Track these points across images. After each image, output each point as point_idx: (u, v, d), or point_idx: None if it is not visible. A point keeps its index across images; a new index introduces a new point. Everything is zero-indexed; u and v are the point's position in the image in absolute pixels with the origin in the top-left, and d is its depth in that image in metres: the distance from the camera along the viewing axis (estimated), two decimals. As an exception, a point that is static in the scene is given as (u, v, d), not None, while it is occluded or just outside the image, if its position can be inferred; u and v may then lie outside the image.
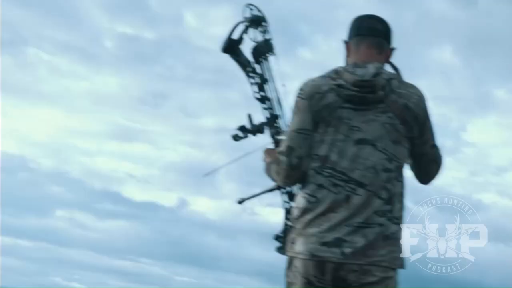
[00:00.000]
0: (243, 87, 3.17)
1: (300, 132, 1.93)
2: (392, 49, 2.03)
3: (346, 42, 2.05)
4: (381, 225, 1.83)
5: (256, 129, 3.08)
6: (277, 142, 2.68)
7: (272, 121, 3.03)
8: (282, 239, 3.06)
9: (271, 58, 3.13)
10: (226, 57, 3.20)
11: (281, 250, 3.06)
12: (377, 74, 1.89)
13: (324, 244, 1.81)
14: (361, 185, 1.85)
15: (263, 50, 3.07)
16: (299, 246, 1.87)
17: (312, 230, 1.85)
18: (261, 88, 3.09)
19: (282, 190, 3.00)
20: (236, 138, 3.09)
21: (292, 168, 1.94)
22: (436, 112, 2.00)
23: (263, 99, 3.10)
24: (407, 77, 2.04)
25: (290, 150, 1.93)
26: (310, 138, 1.91)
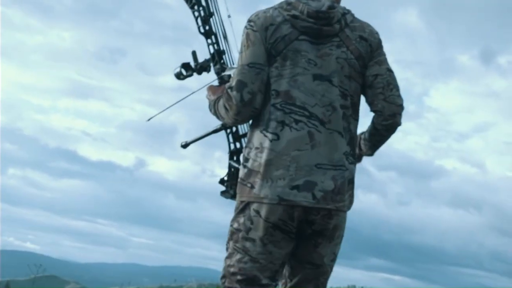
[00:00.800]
0: (203, 44, 2.99)
1: (252, 66, 1.80)
2: None
3: None
4: (347, 169, 1.79)
5: (201, 67, 2.92)
6: (222, 79, 2.52)
7: (217, 57, 2.86)
8: (228, 182, 2.95)
9: None
10: (187, 12, 2.99)
11: (225, 193, 2.95)
12: (332, 7, 1.82)
13: (294, 187, 1.72)
14: (322, 122, 1.77)
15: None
16: (263, 189, 1.74)
17: (278, 172, 1.74)
18: (205, 22, 2.91)
19: (228, 131, 2.88)
20: (179, 76, 2.92)
21: (244, 104, 1.81)
22: (400, 77, 1.93)
23: (208, 34, 2.92)
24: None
25: (241, 85, 1.80)
26: (263, 72, 1.80)
